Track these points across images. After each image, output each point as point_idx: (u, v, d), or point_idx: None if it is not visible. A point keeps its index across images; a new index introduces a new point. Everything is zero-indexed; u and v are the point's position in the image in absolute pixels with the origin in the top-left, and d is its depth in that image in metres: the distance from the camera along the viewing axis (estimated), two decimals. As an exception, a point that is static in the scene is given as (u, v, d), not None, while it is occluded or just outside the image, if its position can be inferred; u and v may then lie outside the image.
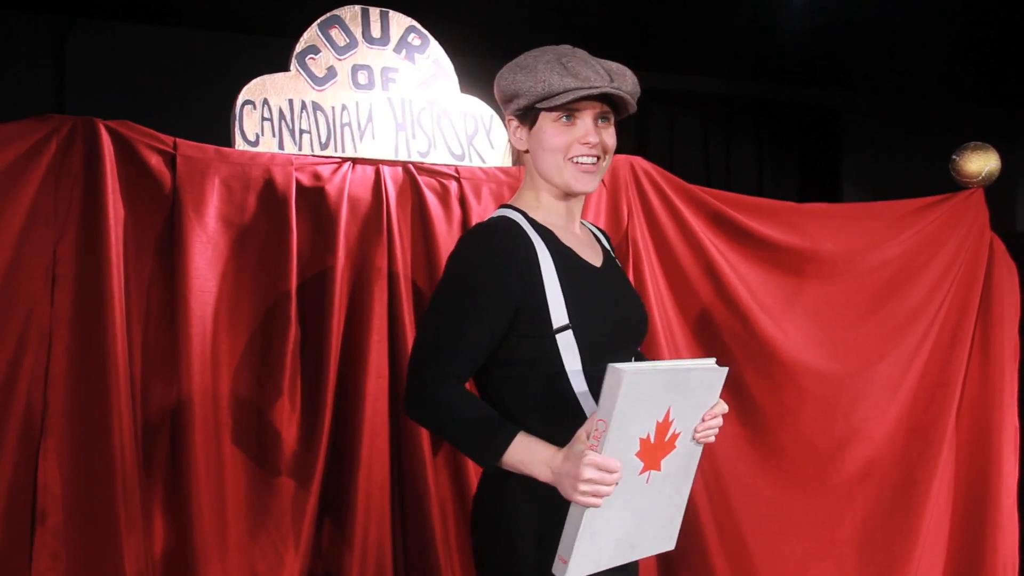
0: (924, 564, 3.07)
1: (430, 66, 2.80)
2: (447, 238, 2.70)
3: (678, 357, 1.86)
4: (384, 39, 2.76)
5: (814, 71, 3.85)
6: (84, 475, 2.34)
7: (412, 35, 2.79)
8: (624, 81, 1.75)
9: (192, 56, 3.05)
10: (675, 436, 1.65)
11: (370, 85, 2.74)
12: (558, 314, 1.68)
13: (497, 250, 1.69)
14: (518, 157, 1.89)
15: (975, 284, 3.15)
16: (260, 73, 2.63)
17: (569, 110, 1.74)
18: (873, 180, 3.88)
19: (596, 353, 1.69)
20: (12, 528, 2.30)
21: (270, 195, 2.57)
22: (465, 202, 2.74)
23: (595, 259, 1.84)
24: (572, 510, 1.58)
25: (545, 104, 1.72)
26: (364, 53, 2.73)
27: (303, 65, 2.67)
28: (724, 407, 1.73)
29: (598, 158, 1.78)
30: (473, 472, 2.63)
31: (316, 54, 2.68)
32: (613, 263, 1.92)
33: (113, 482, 2.32)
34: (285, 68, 2.66)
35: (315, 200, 2.62)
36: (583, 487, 1.54)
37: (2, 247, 2.31)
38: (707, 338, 2.98)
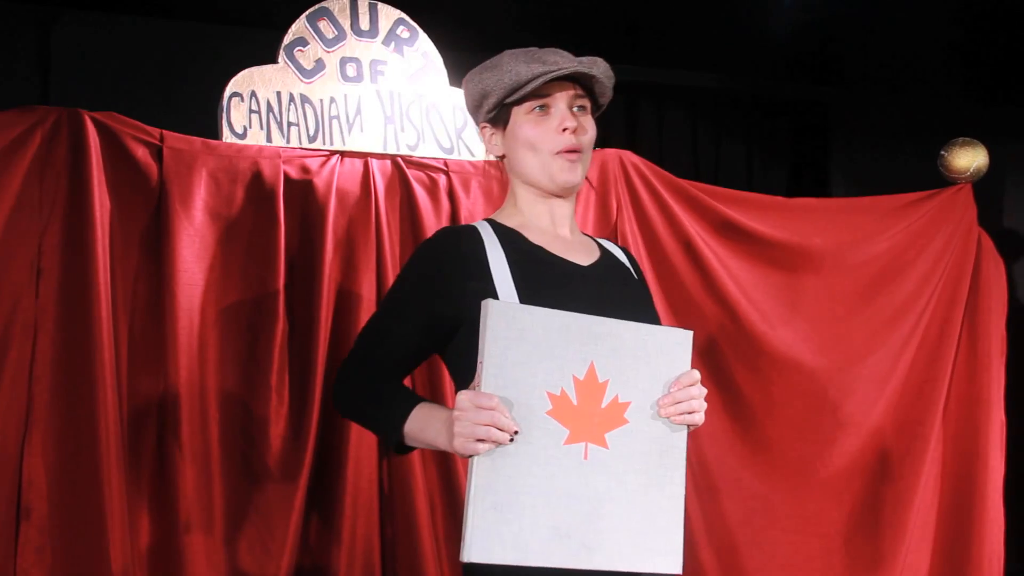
0: (911, 557, 3.08)
1: (419, 59, 2.79)
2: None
3: None
4: (373, 31, 2.75)
5: (804, 67, 3.85)
6: (69, 469, 2.33)
7: (401, 27, 2.78)
8: (595, 65, 1.68)
9: (179, 47, 3.03)
10: (620, 406, 1.47)
11: (359, 78, 2.72)
12: None
13: (435, 248, 1.66)
14: (498, 181, 1.81)
15: (963, 280, 3.16)
16: (248, 65, 2.61)
17: (541, 99, 1.66)
18: (862, 176, 3.88)
19: None
20: (-4, 522, 2.29)
21: (258, 188, 2.56)
22: (454, 196, 2.73)
23: (583, 260, 1.71)
24: (468, 473, 1.41)
25: (516, 96, 1.65)
26: (353, 45, 2.72)
27: (291, 57, 2.65)
28: (695, 376, 1.53)
29: (577, 151, 1.67)
30: (461, 467, 2.63)
31: (304, 46, 2.67)
32: (616, 268, 1.76)
33: (99, 476, 2.31)
34: (273, 60, 2.65)
35: (303, 193, 2.61)
36: (454, 427, 1.40)
37: (-14, 239, 2.30)
38: (695, 332, 2.97)
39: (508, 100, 1.66)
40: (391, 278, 2.64)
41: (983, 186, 3.25)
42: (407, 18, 2.79)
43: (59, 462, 2.33)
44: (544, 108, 1.67)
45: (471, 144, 2.81)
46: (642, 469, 1.48)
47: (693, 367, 1.55)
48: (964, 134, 3.20)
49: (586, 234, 1.84)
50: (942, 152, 3.19)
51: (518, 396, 1.41)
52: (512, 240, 1.65)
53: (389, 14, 2.77)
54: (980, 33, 3.66)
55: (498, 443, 1.39)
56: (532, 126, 1.67)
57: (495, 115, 1.71)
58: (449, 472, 2.66)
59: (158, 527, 2.45)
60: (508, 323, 1.40)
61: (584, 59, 1.68)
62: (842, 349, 3.09)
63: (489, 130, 1.74)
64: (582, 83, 1.69)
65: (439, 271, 1.61)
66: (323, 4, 2.70)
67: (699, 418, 1.53)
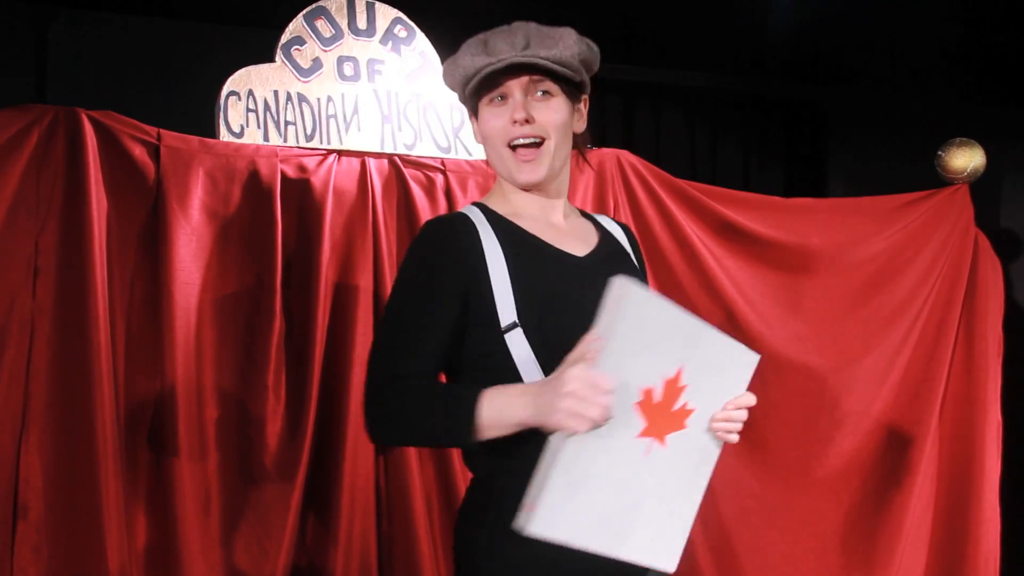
0: (907, 558, 3.09)
1: (416, 58, 2.79)
2: (433, 231, 2.70)
3: None
4: (370, 30, 2.74)
5: (801, 67, 3.86)
6: (66, 468, 2.33)
7: (398, 27, 2.77)
8: (547, 47, 1.55)
9: (177, 46, 3.02)
10: (687, 411, 1.46)
11: (356, 77, 2.72)
12: (506, 310, 1.50)
13: (434, 241, 1.55)
14: None
15: (960, 280, 3.17)
16: (245, 64, 2.61)
17: (496, 89, 1.57)
18: (859, 176, 3.89)
19: (560, 355, 1.43)
20: (-7, 521, 2.29)
21: (255, 187, 2.56)
22: (451, 194, 2.73)
23: (579, 249, 1.64)
24: (548, 447, 1.36)
25: (468, 90, 1.58)
26: (350, 44, 2.72)
27: (288, 56, 2.65)
28: (751, 399, 1.52)
29: (541, 140, 1.58)
30: (459, 466, 2.63)
31: (301, 45, 2.67)
32: (614, 255, 1.70)
33: (96, 475, 2.31)
34: (270, 59, 2.64)
35: (300, 192, 2.61)
36: (564, 402, 1.31)
37: (-17, 238, 2.30)
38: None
39: (467, 93, 1.61)
40: (388, 277, 2.63)
41: (980, 186, 3.25)
42: (404, 17, 2.79)
43: (56, 461, 2.33)
44: (502, 98, 1.58)
45: (468, 143, 2.81)
46: (682, 475, 1.51)
47: None
48: (961, 134, 3.20)
49: (584, 212, 1.77)
50: (939, 152, 3.19)
51: (620, 382, 1.36)
52: (506, 230, 1.58)
53: (386, 13, 2.77)
54: (977, 33, 3.67)
55: (596, 425, 1.35)
56: (490, 118, 1.59)
57: (468, 106, 1.66)
58: (446, 471, 2.67)
59: (155, 526, 2.45)
60: (638, 308, 1.35)
61: (547, 36, 1.58)
62: (839, 349, 3.09)
63: (473, 119, 1.68)
64: (540, 67, 1.56)
65: (444, 268, 1.53)
66: (320, 3, 2.69)
67: (736, 438, 1.53)
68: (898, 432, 3.12)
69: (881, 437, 3.12)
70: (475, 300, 1.52)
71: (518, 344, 1.50)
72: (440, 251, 1.54)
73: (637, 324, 1.35)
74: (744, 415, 1.52)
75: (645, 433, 1.42)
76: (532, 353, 1.50)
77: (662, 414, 1.43)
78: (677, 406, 1.45)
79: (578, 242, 1.65)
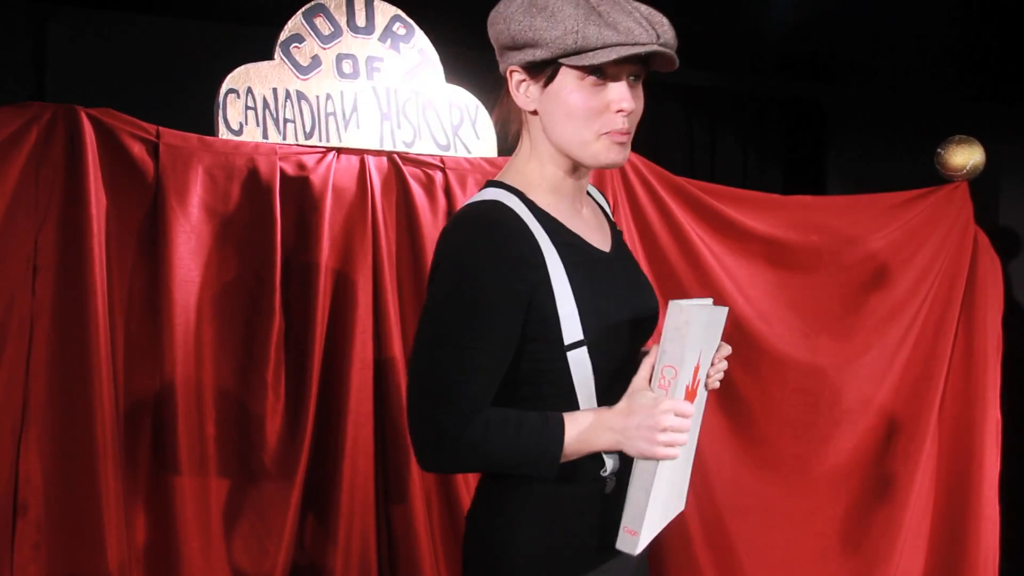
0: (906, 555, 3.09)
1: (415, 55, 2.79)
2: (432, 228, 2.70)
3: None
4: (369, 28, 2.74)
5: (800, 64, 3.86)
6: (66, 466, 2.33)
7: (397, 24, 2.77)
8: (666, 32, 1.42)
9: (176, 44, 3.02)
10: (698, 382, 1.51)
11: (355, 74, 2.72)
12: (570, 327, 1.42)
13: (497, 246, 1.39)
14: (507, 121, 1.56)
15: (959, 278, 3.17)
16: (244, 62, 2.61)
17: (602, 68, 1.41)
18: (858, 173, 3.89)
19: (612, 370, 1.45)
20: (-7, 519, 2.29)
21: (254, 184, 2.56)
22: (450, 192, 2.73)
23: (604, 243, 1.56)
24: (640, 472, 1.42)
25: (576, 61, 1.38)
26: (349, 42, 2.72)
27: (287, 54, 2.65)
28: (728, 349, 1.57)
29: (628, 133, 1.46)
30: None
31: (300, 43, 2.67)
32: (620, 240, 1.64)
33: (95, 473, 2.31)
34: (269, 57, 2.64)
35: (299, 190, 2.61)
36: (663, 437, 1.38)
37: (-18, 236, 2.30)
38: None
39: (565, 61, 1.40)
40: (387, 274, 2.63)
41: (979, 184, 3.25)
42: (403, 15, 2.78)
43: (55, 459, 2.33)
44: (603, 76, 1.42)
45: (467, 141, 2.81)
46: (694, 431, 1.59)
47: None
48: (960, 132, 3.20)
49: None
50: (938, 150, 3.19)
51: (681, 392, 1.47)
52: (553, 228, 1.46)
53: (385, 11, 2.76)
54: (977, 31, 3.67)
55: None
56: (585, 96, 1.42)
57: (537, 67, 1.44)
58: (445, 469, 2.66)
59: (154, 524, 2.45)
60: (696, 327, 1.41)
61: (655, 19, 1.43)
62: (838, 347, 3.09)
63: (521, 77, 1.47)
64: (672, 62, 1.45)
65: (506, 280, 1.39)
66: (319, 1, 2.69)
67: (718, 384, 1.60)
68: (897, 430, 3.13)
69: (880, 435, 3.12)
70: (536, 312, 1.42)
71: (580, 363, 1.43)
72: (498, 260, 1.39)
73: (695, 340, 1.43)
74: (726, 364, 1.59)
75: None
76: (592, 372, 1.44)
77: (693, 395, 1.51)
78: (695, 383, 1.52)
79: (601, 235, 1.58)
